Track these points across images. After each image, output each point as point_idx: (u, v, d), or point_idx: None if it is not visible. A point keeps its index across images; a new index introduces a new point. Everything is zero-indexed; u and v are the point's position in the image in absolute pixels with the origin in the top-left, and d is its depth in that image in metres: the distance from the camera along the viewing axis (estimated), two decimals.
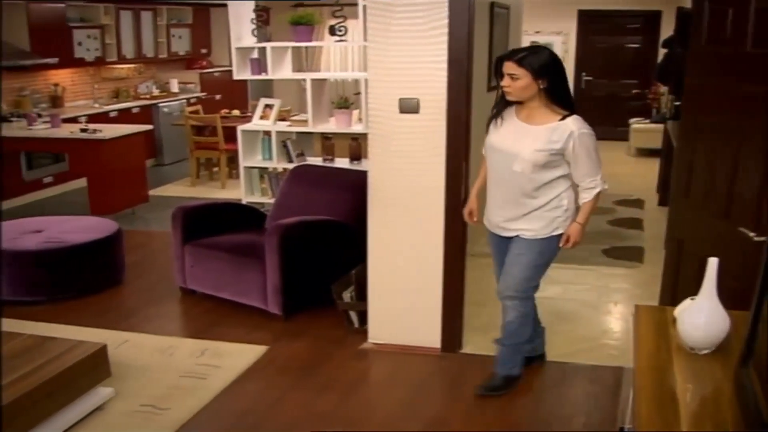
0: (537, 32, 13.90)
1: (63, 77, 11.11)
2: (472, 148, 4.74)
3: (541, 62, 3.97)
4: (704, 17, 3.97)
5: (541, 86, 3.98)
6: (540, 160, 4.01)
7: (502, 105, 4.17)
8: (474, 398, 4.42)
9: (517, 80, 3.98)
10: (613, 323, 5.63)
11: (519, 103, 4.09)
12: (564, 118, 4.00)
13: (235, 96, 13.52)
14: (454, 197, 4.70)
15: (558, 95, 4.02)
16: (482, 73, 6.63)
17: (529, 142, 4.02)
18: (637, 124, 12.88)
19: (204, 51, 14.08)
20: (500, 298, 4.37)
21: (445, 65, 4.53)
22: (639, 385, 2.30)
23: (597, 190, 4.08)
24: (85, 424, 4.12)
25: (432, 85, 4.54)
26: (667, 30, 11.60)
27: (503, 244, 4.31)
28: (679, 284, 4.24)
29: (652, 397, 2.22)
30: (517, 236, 4.21)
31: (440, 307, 4.93)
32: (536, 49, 4.13)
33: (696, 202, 4.08)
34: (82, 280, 6.10)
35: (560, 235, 4.16)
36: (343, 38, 7.54)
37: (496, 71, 4.11)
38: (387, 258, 4.89)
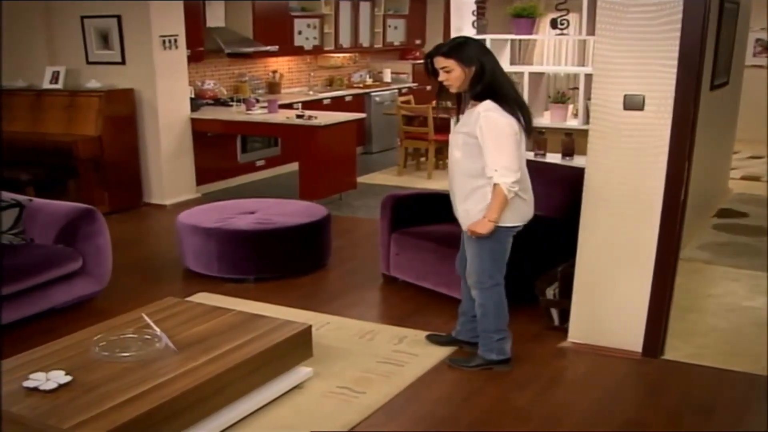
0: (762, 29, 13.14)
1: (281, 64, 11.51)
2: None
3: (466, 50, 4.16)
4: None
5: (470, 74, 4.13)
6: (458, 142, 4.25)
7: (467, 99, 4.33)
8: (673, 407, 4.25)
9: (451, 72, 4.17)
10: None
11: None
12: (482, 102, 4.16)
13: None
14: (673, 199, 4.46)
15: (485, 81, 4.12)
16: (707, 71, 6.30)
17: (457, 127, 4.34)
18: None
19: (418, 42, 14.19)
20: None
21: (675, 62, 4.32)
22: None
23: (494, 181, 4.09)
24: (284, 400, 4.22)
25: (659, 81, 4.35)
26: None
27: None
28: None
29: None
30: None
31: (646, 311, 4.72)
32: (458, 39, 4.38)
33: None
34: (289, 261, 6.26)
35: (498, 228, 4.25)
36: (563, 32, 7.38)
37: (426, 70, 4.31)
38: (596, 257, 4.74)
